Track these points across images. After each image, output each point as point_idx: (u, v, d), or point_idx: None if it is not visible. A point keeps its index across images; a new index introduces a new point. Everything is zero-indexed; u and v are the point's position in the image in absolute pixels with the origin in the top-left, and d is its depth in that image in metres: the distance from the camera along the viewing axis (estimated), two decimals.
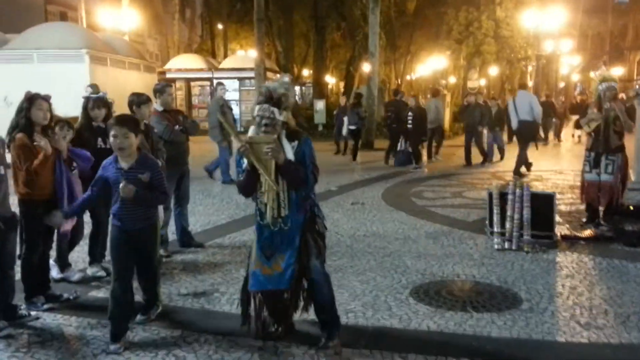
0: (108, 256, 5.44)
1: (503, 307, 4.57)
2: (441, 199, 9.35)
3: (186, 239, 6.47)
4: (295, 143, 3.50)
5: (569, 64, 55.32)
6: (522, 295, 4.81)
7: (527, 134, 11.42)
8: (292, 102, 3.52)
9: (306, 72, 45.74)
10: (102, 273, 5.40)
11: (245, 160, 3.47)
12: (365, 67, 34.28)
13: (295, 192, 3.53)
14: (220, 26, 40.28)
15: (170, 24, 35.96)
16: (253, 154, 3.37)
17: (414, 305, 4.61)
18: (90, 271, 5.44)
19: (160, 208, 5.80)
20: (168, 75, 24.59)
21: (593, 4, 56.38)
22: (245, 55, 29.68)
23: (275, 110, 3.39)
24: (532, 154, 15.25)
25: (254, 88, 23.25)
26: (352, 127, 15.14)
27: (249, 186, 3.55)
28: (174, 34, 34.87)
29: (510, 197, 6.37)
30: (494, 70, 37.79)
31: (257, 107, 3.43)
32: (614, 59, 64.05)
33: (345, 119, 15.48)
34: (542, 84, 53.13)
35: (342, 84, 52.77)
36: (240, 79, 24.74)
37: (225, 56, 34.16)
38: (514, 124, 11.55)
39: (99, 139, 5.35)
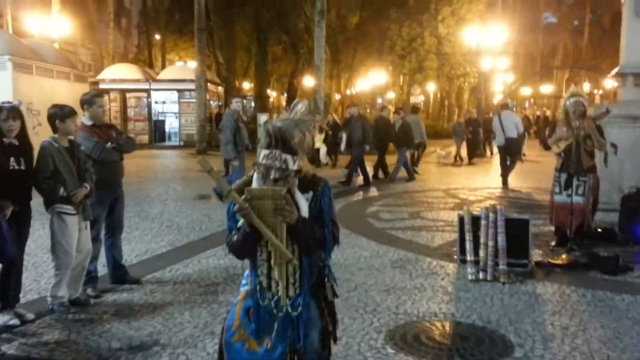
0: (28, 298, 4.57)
1: (494, 354, 3.97)
2: (399, 220, 8.79)
3: (119, 274, 5.58)
4: (310, 194, 2.58)
5: (504, 82, 56.99)
6: (512, 339, 4.23)
7: (513, 149, 12.84)
8: (309, 142, 2.53)
9: (247, 85, 44.97)
10: (15, 321, 4.46)
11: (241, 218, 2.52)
12: (308, 81, 34.08)
13: (308, 259, 2.61)
14: (157, 36, 39.00)
15: (104, 32, 34.45)
16: (255, 214, 2.39)
17: (393, 357, 3.94)
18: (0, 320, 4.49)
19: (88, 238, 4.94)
20: (102, 86, 23.21)
21: (525, 23, 58.36)
22: (184, 66, 28.53)
23: (289, 157, 2.42)
24: (480, 171, 15.17)
25: (194, 100, 22.28)
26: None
27: (246, 250, 2.59)
28: (109, 43, 33.39)
29: (483, 222, 5.84)
30: (432, 87, 38.20)
31: (262, 153, 2.45)
32: (544, 77, 66.68)
33: (344, 135, 15.30)
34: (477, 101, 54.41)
35: (282, 98, 52.40)
36: (180, 91, 23.67)
37: (163, 67, 32.93)
38: (501, 141, 12.71)
39: (12, 159, 4.42)
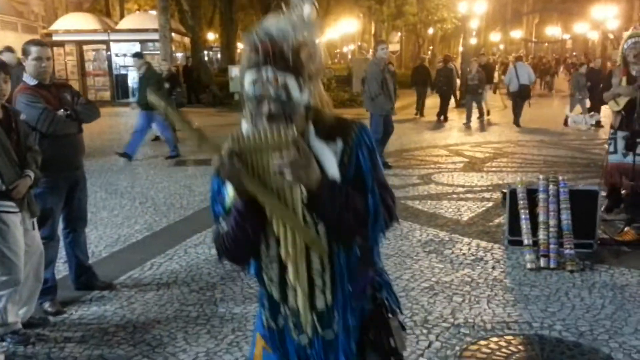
0: None
1: None
2: (411, 186, 7.62)
3: (85, 279, 4.32)
4: (339, 145, 1.55)
5: (476, 27, 55.64)
6: None
7: (526, 94, 14.17)
8: (322, 63, 1.55)
9: (211, 36, 42.71)
10: None
11: (229, 190, 1.54)
12: None
13: (346, 251, 1.59)
14: None
15: None
16: (250, 175, 1.43)
17: None
18: None
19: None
20: (55, 38, 21.11)
21: None
22: (146, 14, 26.36)
23: (291, 79, 1.47)
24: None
25: (158, 52, 20.43)
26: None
27: (243, 244, 1.57)
28: None
29: (542, 196, 4.71)
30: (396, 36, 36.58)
31: (247, 77, 1.49)
32: (514, 22, 65.63)
33: None
34: (446, 49, 53.00)
35: None
36: (142, 42, 21.67)
37: (122, 17, 30.55)
38: (515, 87, 14.01)
39: None
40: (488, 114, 15.98)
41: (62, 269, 4.54)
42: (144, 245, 5.41)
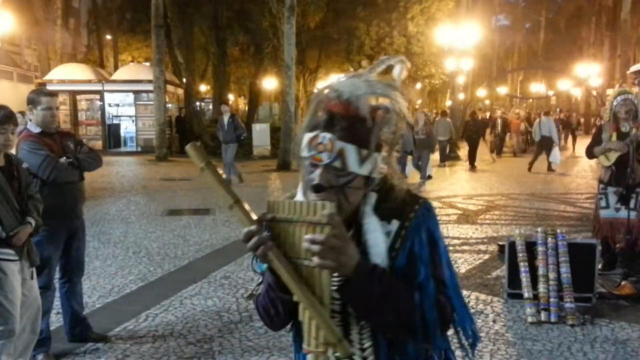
0: None
1: None
2: None
3: (80, 331, 4.21)
4: (395, 225, 1.36)
5: (463, 83, 56.85)
6: None
7: (547, 144, 16.32)
8: (399, 129, 1.38)
9: (203, 88, 43.31)
10: None
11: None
12: (269, 83, 32.76)
13: (396, 351, 1.39)
14: (108, 36, 37.02)
15: (50, 31, 32.25)
16: (278, 250, 1.28)
17: None
18: None
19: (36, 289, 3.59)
20: (49, 87, 21.20)
21: (481, 25, 58.56)
22: (140, 65, 26.74)
23: (350, 149, 1.32)
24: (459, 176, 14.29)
25: (152, 102, 20.64)
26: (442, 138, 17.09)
27: (273, 316, 1.43)
28: (56, 42, 31.20)
29: (540, 248, 4.73)
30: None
31: (305, 139, 1.37)
32: (499, 79, 67.37)
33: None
34: (433, 103, 54.09)
35: (240, 101, 50.91)
36: (136, 92, 21.97)
37: (116, 68, 31.00)
38: (538, 138, 16.64)
39: None
40: (429, 178, 13.60)
41: (54, 319, 4.44)
42: (138, 296, 5.32)
